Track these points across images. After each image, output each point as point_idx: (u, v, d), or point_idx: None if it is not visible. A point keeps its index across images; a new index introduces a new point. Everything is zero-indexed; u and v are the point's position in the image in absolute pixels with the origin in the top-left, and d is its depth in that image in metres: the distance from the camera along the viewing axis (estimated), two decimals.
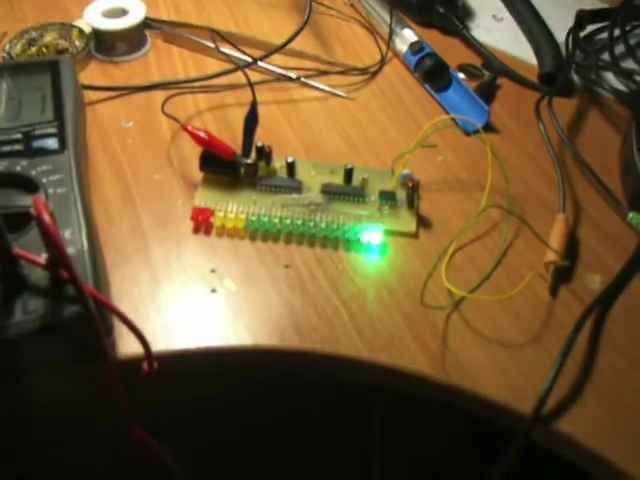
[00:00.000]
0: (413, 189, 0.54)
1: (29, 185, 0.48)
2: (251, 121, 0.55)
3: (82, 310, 0.40)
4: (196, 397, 0.58)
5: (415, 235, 0.54)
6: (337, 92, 0.65)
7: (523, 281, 0.48)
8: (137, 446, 0.44)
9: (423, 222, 0.55)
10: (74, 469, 0.63)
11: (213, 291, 0.49)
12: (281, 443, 0.62)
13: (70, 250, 0.44)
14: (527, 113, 0.64)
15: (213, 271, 0.51)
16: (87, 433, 0.58)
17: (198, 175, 0.56)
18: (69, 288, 0.41)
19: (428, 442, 0.62)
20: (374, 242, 0.52)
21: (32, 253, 0.41)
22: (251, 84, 0.55)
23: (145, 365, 0.44)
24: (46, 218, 0.37)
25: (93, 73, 0.65)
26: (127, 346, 0.45)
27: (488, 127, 0.62)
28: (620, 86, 0.63)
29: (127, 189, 0.55)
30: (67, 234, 0.45)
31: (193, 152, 0.56)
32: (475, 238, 0.54)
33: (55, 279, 0.42)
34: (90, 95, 0.62)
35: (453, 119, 0.62)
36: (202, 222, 0.53)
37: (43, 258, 0.41)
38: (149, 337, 0.45)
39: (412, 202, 0.55)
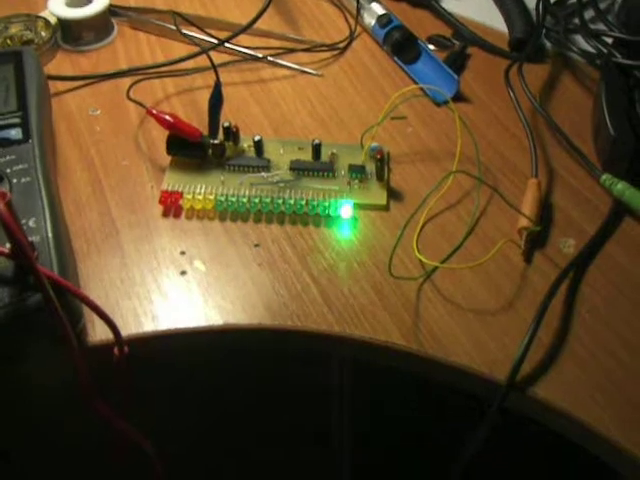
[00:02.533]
0: (382, 161, 0.54)
1: None
2: (215, 100, 0.54)
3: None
4: (169, 377, 0.58)
5: (386, 207, 0.53)
6: (305, 69, 0.64)
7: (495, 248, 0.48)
8: (113, 435, 0.45)
9: (394, 194, 0.54)
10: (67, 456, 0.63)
11: (183, 273, 0.49)
12: (254, 421, 0.62)
13: (35, 238, 0.44)
14: (498, 81, 0.63)
15: (183, 253, 0.50)
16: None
17: (167, 159, 0.56)
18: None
19: (403, 413, 0.62)
20: (344, 216, 0.52)
21: None
22: (214, 64, 0.55)
23: (116, 350, 0.44)
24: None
25: (61, 63, 0.65)
26: (99, 332, 0.45)
27: (459, 97, 0.62)
28: (590, 48, 0.62)
29: (96, 176, 0.55)
30: (31, 223, 0.45)
31: (161, 136, 0.56)
32: (447, 207, 0.53)
33: (20, 268, 0.42)
34: (57, 85, 0.62)
35: (423, 90, 0.62)
36: (171, 205, 0.53)
37: (7, 248, 0.41)
38: (119, 322, 0.45)
39: (382, 175, 0.54)
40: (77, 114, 0.60)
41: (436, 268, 0.49)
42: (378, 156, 0.53)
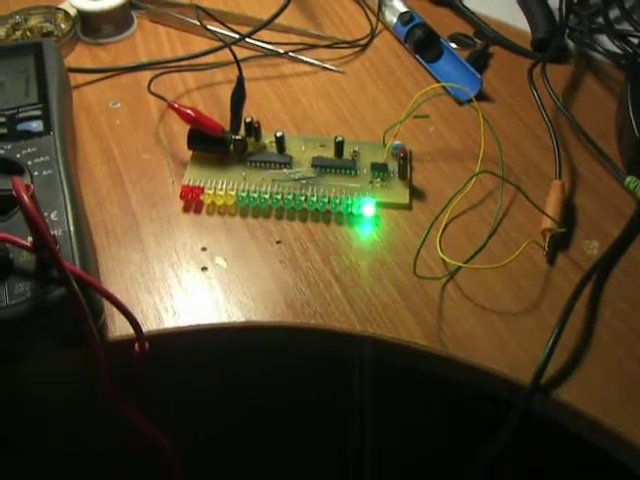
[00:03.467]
0: (404, 159, 0.53)
1: (14, 169, 0.47)
2: (238, 96, 0.54)
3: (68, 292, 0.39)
4: (189, 375, 0.57)
5: (408, 206, 0.53)
6: (327, 65, 0.64)
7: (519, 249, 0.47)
8: (131, 430, 0.44)
9: (416, 193, 0.54)
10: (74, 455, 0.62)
11: (204, 269, 0.49)
12: (273, 417, 0.62)
13: (57, 232, 0.43)
14: (521, 81, 0.62)
15: (204, 249, 0.50)
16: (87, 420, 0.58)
17: (188, 154, 0.55)
18: (55, 270, 0.40)
19: (424, 414, 0.61)
20: (367, 215, 0.51)
21: (18, 237, 0.41)
22: (237, 59, 0.54)
23: (136, 346, 0.44)
24: (24, 196, 0.36)
25: (80, 56, 0.65)
26: (118, 327, 0.45)
27: (481, 96, 0.61)
28: (615, 48, 0.62)
29: (116, 170, 0.55)
30: (53, 216, 0.44)
31: (182, 131, 0.56)
32: (469, 207, 0.53)
33: (42, 262, 0.42)
34: (77, 78, 0.61)
35: (445, 89, 0.61)
36: (192, 200, 0.52)
37: (29, 241, 0.41)
38: (140, 317, 0.44)
39: (404, 173, 0.54)
40: (97, 107, 0.60)
41: (459, 268, 0.49)
42: (401, 155, 0.53)
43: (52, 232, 0.43)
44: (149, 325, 0.46)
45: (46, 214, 0.44)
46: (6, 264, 0.41)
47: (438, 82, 0.62)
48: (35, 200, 0.39)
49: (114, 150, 0.56)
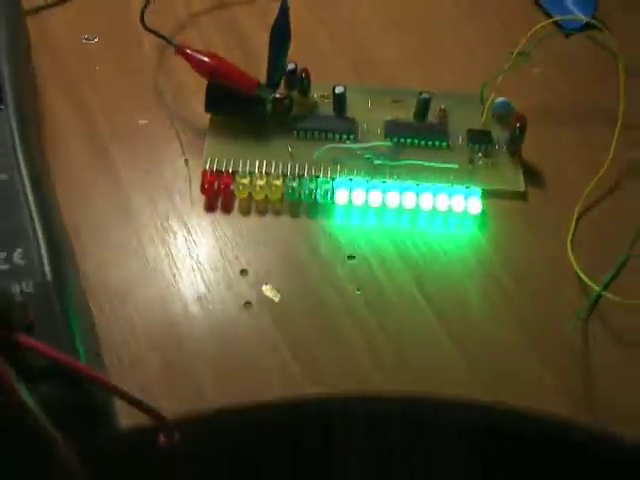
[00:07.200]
0: (522, 130, 0.37)
1: None
2: (281, 32, 0.36)
3: None
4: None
5: (524, 196, 0.37)
6: None
7: None
8: None
9: (529, 174, 0.38)
10: None
11: (247, 304, 0.33)
12: None
13: (24, 285, 0.27)
14: None
15: (243, 272, 0.34)
16: None
17: (205, 118, 0.38)
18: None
19: None
20: (472, 211, 0.36)
21: None
22: None
23: (162, 438, 0.29)
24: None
25: None
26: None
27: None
28: None
29: (101, 146, 0.38)
30: (17, 257, 0.28)
31: (195, 82, 0.38)
32: (602, 195, 0.37)
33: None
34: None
35: (557, 23, 0.44)
36: (218, 193, 0.36)
37: None
38: (164, 393, 0.30)
39: (516, 147, 0.38)
40: (63, 44, 0.41)
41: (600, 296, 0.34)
42: (517, 123, 0.37)
43: (18, 287, 0.27)
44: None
45: (4, 254, 0.27)
46: None
47: (550, 16, 0.45)
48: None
49: (94, 111, 0.39)
